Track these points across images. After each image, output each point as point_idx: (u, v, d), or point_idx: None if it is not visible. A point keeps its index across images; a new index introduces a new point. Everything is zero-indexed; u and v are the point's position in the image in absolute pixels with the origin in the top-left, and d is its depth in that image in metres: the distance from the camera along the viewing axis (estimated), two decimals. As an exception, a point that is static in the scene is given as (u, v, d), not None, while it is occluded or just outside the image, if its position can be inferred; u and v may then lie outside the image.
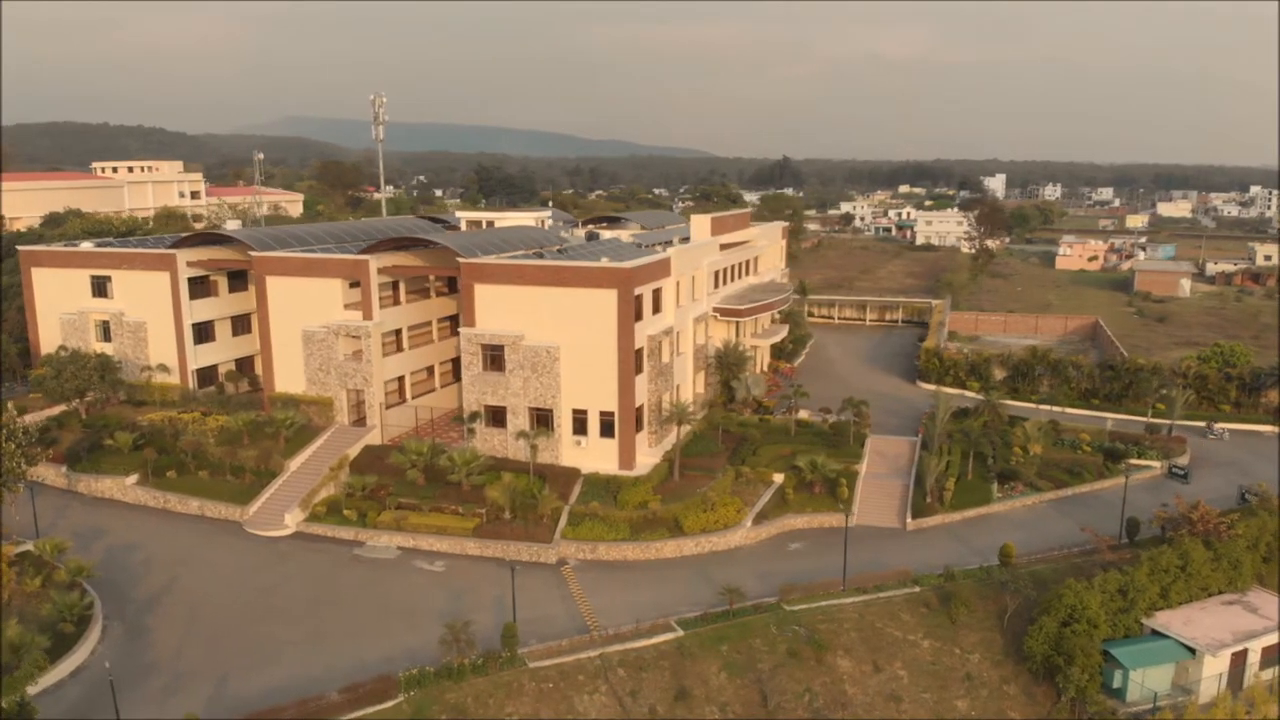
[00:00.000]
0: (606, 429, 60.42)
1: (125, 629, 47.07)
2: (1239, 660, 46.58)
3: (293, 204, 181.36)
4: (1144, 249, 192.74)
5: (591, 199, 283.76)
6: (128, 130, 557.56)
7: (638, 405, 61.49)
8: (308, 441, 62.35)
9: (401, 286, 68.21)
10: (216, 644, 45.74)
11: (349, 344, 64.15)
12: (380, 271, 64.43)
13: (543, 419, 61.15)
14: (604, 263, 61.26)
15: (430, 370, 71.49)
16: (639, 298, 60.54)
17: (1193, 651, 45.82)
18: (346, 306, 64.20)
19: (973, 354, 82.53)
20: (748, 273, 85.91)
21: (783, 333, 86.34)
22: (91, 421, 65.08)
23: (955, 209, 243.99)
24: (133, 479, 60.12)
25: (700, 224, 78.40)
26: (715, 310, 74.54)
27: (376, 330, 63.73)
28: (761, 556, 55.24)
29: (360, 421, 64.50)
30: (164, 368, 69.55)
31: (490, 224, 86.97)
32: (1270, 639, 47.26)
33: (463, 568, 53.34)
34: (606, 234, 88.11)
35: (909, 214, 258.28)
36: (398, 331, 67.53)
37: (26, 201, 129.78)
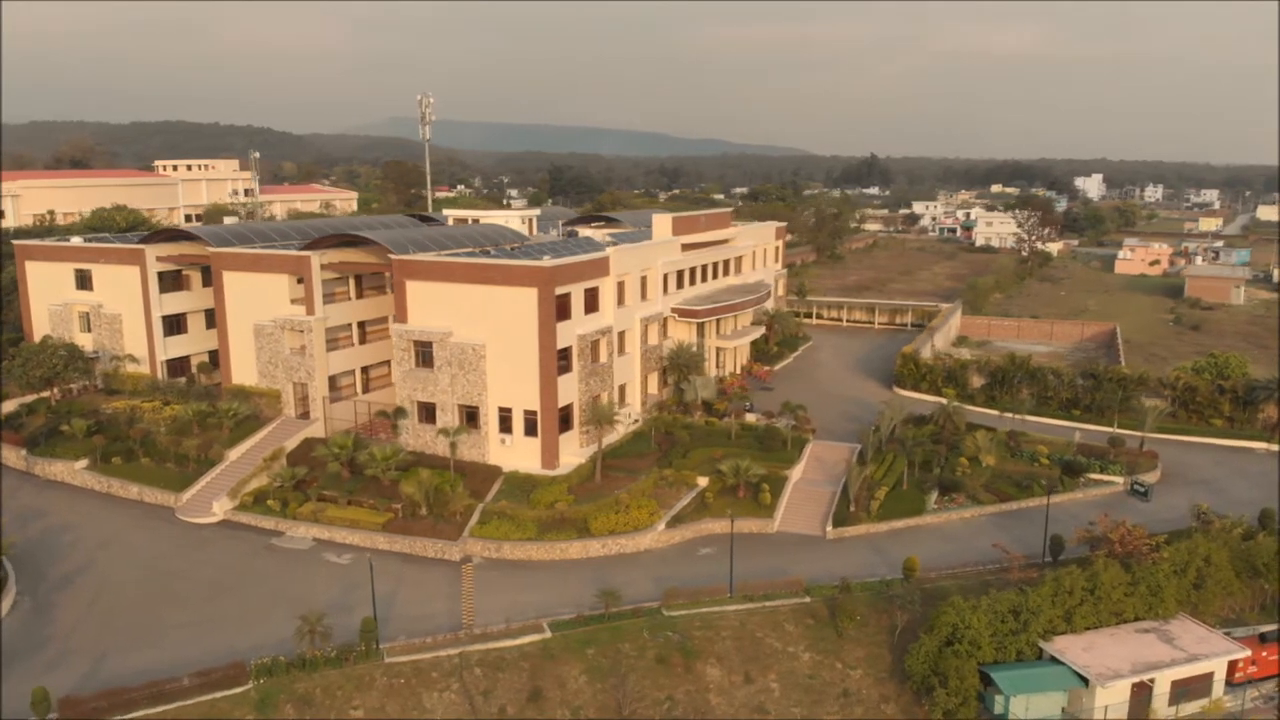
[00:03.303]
0: (530, 427, 60.37)
1: (33, 605, 49.27)
2: (1142, 692, 43.78)
3: (345, 202, 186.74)
4: (1216, 253, 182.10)
5: (662, 199, 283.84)
6: (236, 130, 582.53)
7: (566, 404, 61.29)
8: (252, 432, 64.07)
9: (354, 282, 69.44)
10: (109, 623, 47.43)
11: (294, 338, 65.65)
12: (325, 267, 65.73)
13: (471, 416, 61.51)
14: (545, 261, 61.12)
15: (389, 365, 72.42)
16: (566, 296, 60.28)
17: (1087, 681, 43.32)
18: (293, 301, 65.74)
19: (950, 360, 79.40)
20: (726, 273, 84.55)
21: (753, 335, 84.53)
22: (57, 408, 68.25)
23: (1001, 209, 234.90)
24: (82, 464, 62.79)
25: (661, 223, 77.52)
26: (674, 310, 73.61)
27: (319, 325, 65.05)
28: (668, 560, 54.36)
29: (305, 414, 65.97)
30: (133, 358, 72.45)
31: (476, 221, 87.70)
32: (1181, 671, 44.28)
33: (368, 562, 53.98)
34: (586, 232, 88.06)
35: (973, 215, 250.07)
36: (349, 326, 68.81)
37: (79, 197, 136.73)
